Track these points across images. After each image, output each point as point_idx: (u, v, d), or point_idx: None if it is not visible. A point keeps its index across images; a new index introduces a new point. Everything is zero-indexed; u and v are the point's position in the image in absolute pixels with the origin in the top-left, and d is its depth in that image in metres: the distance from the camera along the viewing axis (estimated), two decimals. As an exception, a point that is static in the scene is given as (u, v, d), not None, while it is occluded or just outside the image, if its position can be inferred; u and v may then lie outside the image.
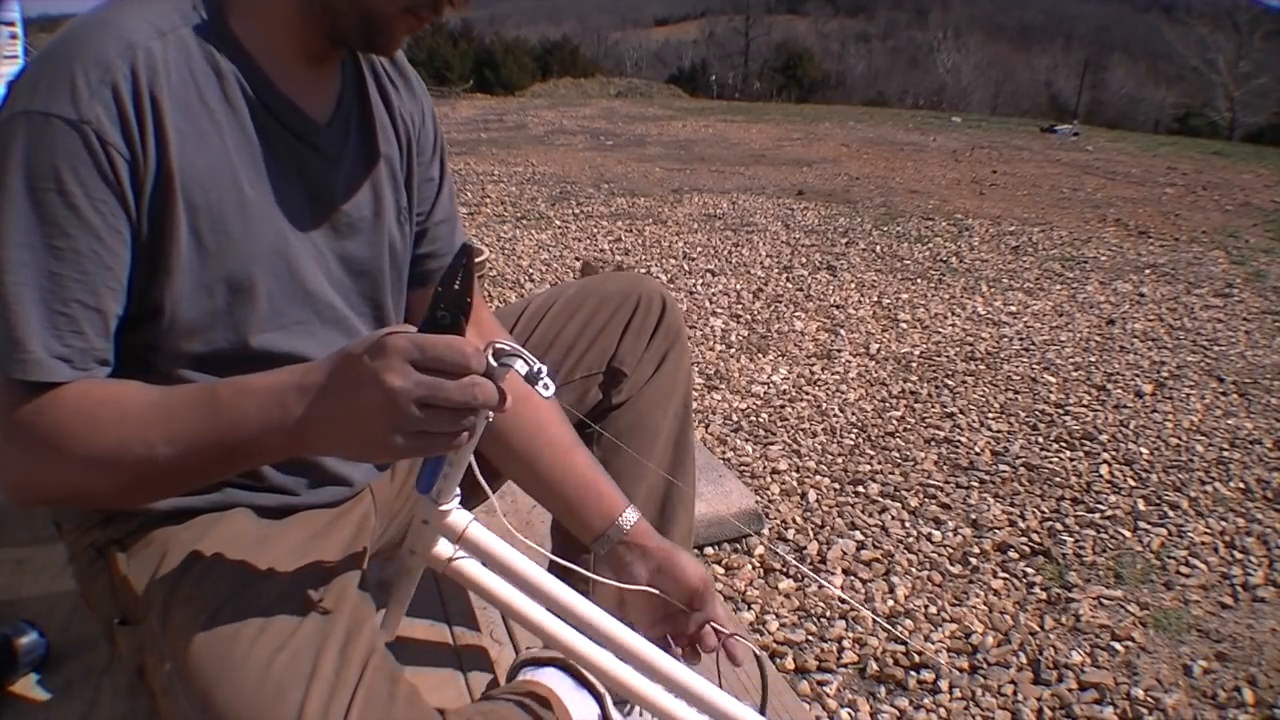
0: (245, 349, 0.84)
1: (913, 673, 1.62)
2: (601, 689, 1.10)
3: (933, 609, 1.81)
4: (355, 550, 0.92)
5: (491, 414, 0.66)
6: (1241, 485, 2.38)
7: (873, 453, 2.52)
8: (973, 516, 2.18)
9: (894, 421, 2.72)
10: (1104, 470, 2.44)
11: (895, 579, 1.91)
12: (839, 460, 2.47)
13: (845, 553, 2.00)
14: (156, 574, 0.82)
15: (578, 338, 1.13)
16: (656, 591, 0.96)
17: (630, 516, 0.99)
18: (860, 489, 2.30)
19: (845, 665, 1.65)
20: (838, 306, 3.85)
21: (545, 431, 1.02)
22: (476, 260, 0.71)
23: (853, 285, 4.16)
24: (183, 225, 0.77)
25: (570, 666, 1.05)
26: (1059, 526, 2.15)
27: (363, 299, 0.94)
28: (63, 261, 0.72)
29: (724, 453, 2.49)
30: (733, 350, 3.31)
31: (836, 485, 2.33)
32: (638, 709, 1.16)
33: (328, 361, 0.69)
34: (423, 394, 0.62)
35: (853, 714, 1.53)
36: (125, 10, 0.77)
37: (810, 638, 1.72)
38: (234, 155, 0.80)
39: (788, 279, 4.25)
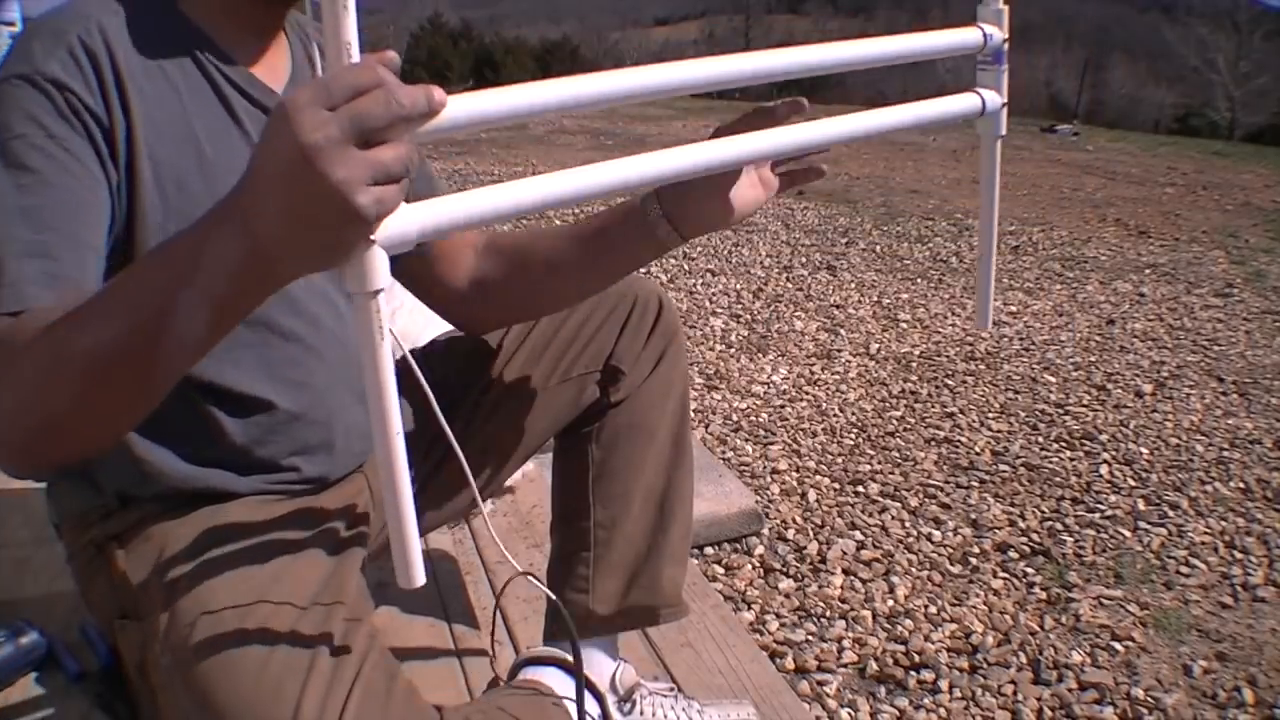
0: None
1: (913, 673, 1.62)
2: (602, 689, 1.10)
3: (933, 609, 1.81)
4: (354, 545, 0.92)
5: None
6: (1241, 485, 2.38)
7: (873, 452, 2.52)
8: (973, 516, 2.18)
9: (894, 421, 2.72)
10: (1104, 470, 2.44)
11: (895, 579, 1.91)
12: (839, 460, 2.47)
13: (845, 553, 2.00)
14: (155, 569, 0.82)
15: (575, 335, 1.13)
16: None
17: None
18: (860, 489, 2.30)
19: (845, 665, 1.65)
20: (838, 306, 3.85)
21: (530, 249, 1.03)
22: None
23: (853, 285, 4.16)
24: (147, 176, 0.79)
25: (569, 666, 1.05)
26: (1059, 526, 2.15)
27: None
28: (31, 194, 0.73)
29: (724, 452, 2.49)
30: (733, 350, 3.31)
31: (836, 485, 2.33)
32: (639, 709, 1.16)
33: (246, 171, 0.58)
34: (350, 127, 0.51)
35: (853, 714, 1.53)
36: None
37: (810, 638, 1.72)
38: (193, 118, 0.82)
39: (788, 279, 4.25)
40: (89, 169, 0.76)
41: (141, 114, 0.78)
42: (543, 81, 0.61)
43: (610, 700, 1.13)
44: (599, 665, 1.14)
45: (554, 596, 0.99)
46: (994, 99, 0.88)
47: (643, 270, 1.11)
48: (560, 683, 1.01)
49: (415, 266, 1.03)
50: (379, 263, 0.55)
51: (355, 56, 0.53)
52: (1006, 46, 0.88)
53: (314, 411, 0.93)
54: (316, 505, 0.93)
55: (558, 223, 1.06)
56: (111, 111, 0.77)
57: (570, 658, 1.05)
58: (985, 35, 0.86)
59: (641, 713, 1.16)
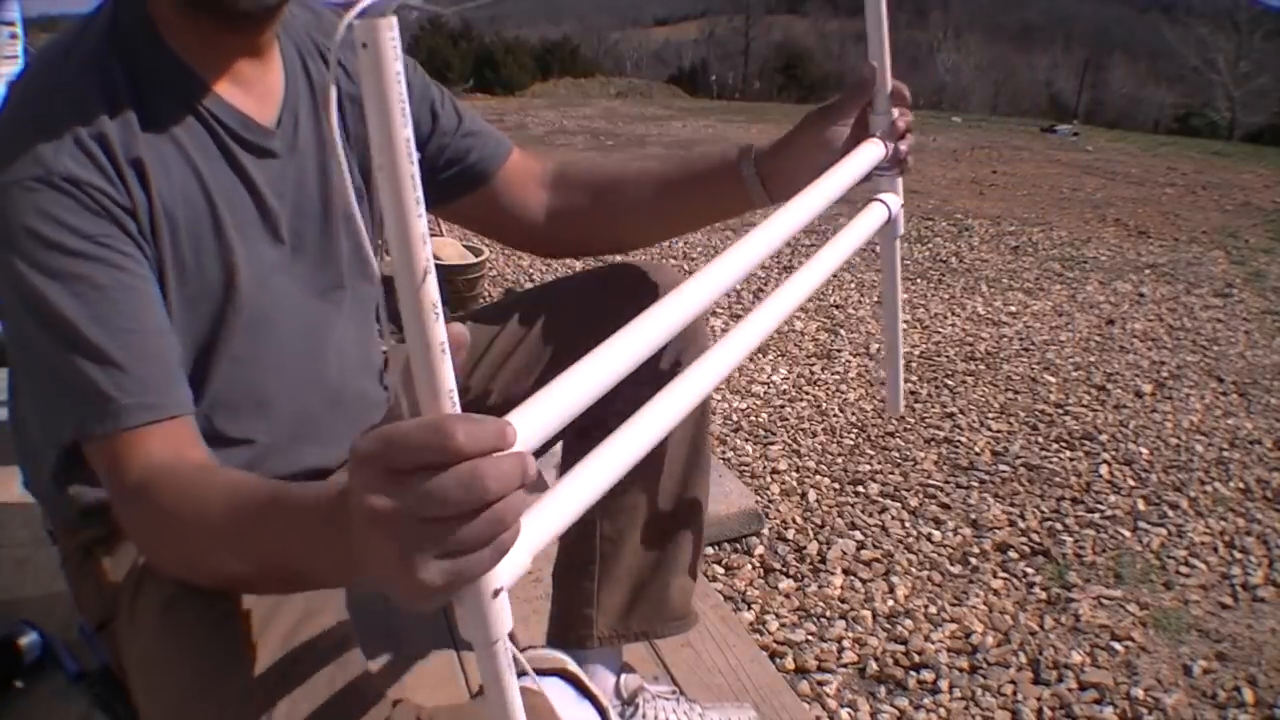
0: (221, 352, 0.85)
1: (913, 673, 1.62)
2: (605, 701, 1.09)
3: (933, 609, 1.81)
4: None
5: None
6: (1241, 485, 2.38)
7: (873, 452, 2.51)
8: (973, 516, 2.18)
9: (894, 421, 2.72)
10: (1104, 470, 2.44)
11: (895, 579, 1.91)
12: (839, 460, 2.47)
13: (845, 553, 2.00)
14: (131, 568, 0.82)
15: (574, 339, 1.08)
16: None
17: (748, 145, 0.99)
18: (860, 489, 2.30)
19: (845, 665, 1.65)
20: (838, 306, 3.85)
21: (614, 184, 1.04)
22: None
23: (853, 285, 4.16)
24: (166, 240, 0.79)
25: (572, 675, 1.04)
26: (1059, 526, 2.15)
27: (334, 288, 0.95)
28: (88, 302, 0.71)
29: (724, 453, 2.49)
30: (733, 350, 3.31)
31: (836, 485, 2.33)
32: (641, 713, 1.16)
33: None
34: (416, 506, 0.43)
35: (853, 714, 1.53)
36: (54, 61, 0.78)
37: (810, 638, 1.72)
38: (203, 174, 0.81)
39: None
40: (132, 257, 0.75)
41: (157, 183, 0.77)
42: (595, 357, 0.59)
43: (613, 713, 1.12)
44: (601, 678, 1.13)
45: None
46: (895, 203, 0.96)
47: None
48: (561, 693, 1.00)
49: (477, 209, 1.05)
50: (490, 612, 0.46)
51: (447, 403, 0.44)
52: (905, 152, 0.97)
53: (290, 430, 0.92)
54: None
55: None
56: (133, 194, 0.76)
57: (571, 666, 1.05)
58: (886, 146, 0.95)
59: (644, 716, 1.16)
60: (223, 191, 0.82)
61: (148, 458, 0.71)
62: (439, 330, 0.43)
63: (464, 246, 3.41)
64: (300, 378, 0.91)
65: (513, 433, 0.45)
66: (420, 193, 0.42)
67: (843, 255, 0.87)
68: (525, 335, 1.09)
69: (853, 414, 2.77)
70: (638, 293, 1.06)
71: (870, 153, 0.93)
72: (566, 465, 1.16)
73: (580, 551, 1.13)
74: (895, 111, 0.95)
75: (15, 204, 0.71)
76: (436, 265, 0.43)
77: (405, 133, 0.40)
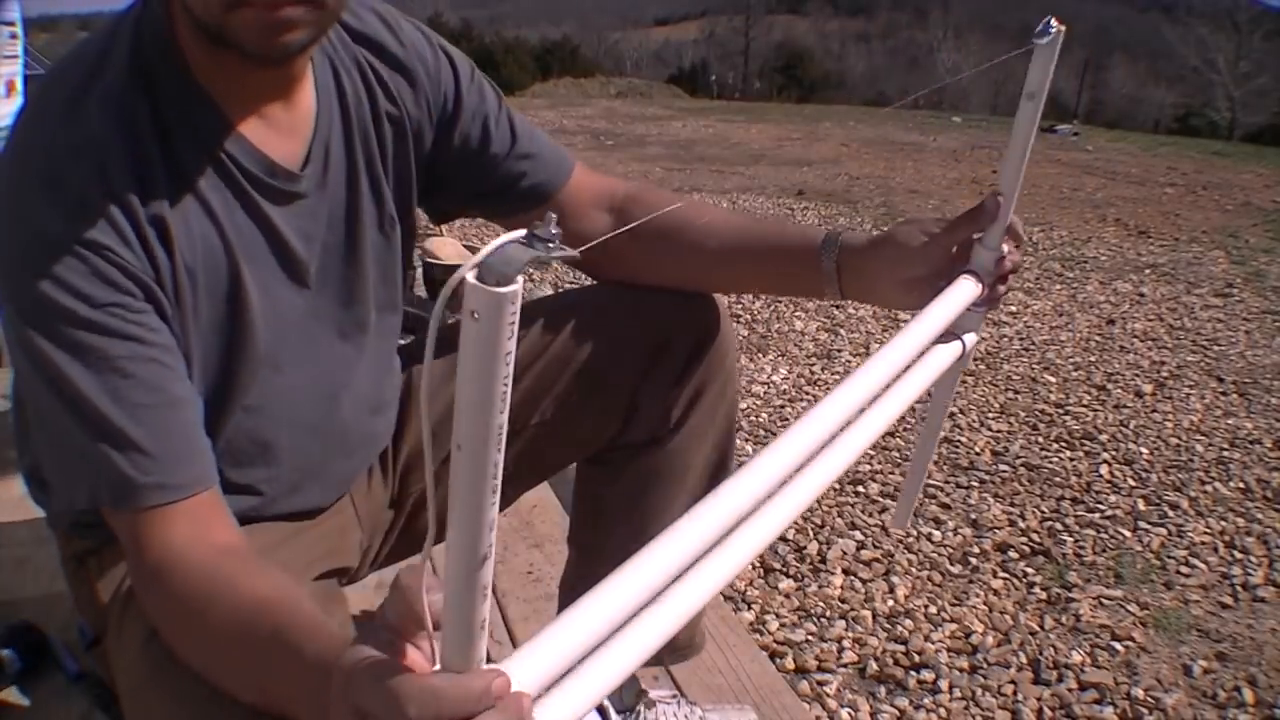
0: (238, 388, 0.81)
1: (913, 673, 1.62)
2: (605, 702, 1.09)
3: (933, 609, 1.81)
4: (326, 564, 0.90)
5: None
6: (1241, 485, 2.38)
7: (872, 452, 2.51)
8: (973, 516, 2.18)
9: (893, 421, 2.72)
10: (1104, 470, 2.44)
11: (895, 579, 1.91)
12: (839, 460, 2.46)
13: (845, 552, 2.00)
14: (118, 588, 0.80)
15: (594, 367, 1.01)
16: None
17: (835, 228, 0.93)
18: (860, 489, 2.30)
19: (845, 665, 1.65)
20: (837, 306, 3.85)
21: (686, 233, 0.96)
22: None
23: (853, 285, 4.16)
24: (187, 297, 0.75)
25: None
26: (1059, 526, 2.15)
27: (357, 328, 0.91)
28: (101, 378, 0.68)
29: (724, 453, 2.49)
30: (733, 350, 3.31)
31: (836, 485, 2.33)
32: (643, 718, 1.16)
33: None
34: None
35: (853, 714, 1.53)
36: (71, 99, 0.71)
37: (810, 638, 1.72)
38: (226, 229, 0.77)
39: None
40: (148, 326, 0.70)
41: (179, 242, 0.73)
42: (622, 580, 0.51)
43: (613, 713, 1.12)
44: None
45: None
46: (972, 341, 0.88)
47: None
48: None
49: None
50: None
51: (480, 657, 0.42)
52: (1004, 292, 0.88)
53: (292, 478, 0.89)
54: (300, 535, 0.90)
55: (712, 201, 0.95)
56: (155, 256, 0.71)
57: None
58: (984, 285, 0.85)
59: (645, 720, 1.16)
60: (243, 243, 0.78)
61: (166, 542, 0.69)
62: (483, 610, 0.41)
63: (464, 246, 3.41)
64: (310, 424, 0.88)
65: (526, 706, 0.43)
66: (499, 480, 0.37)
67: (911, 397, 0.79)
68: (547, 347, 1.02)
69: (853, 414, 2.76)
70: (673, 327, 1.01)
71: (966, 291, 0.83)
72: (581, 493, 1.11)
73: (588, 568, 1.11)
74: (1006, 247, 0.84)
75: (27, 267, 0.67)
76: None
77: (500, 419, 0.36)
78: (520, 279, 0.33)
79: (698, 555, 0.53)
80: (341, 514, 0.96)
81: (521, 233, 0.34)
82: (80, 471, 0.70)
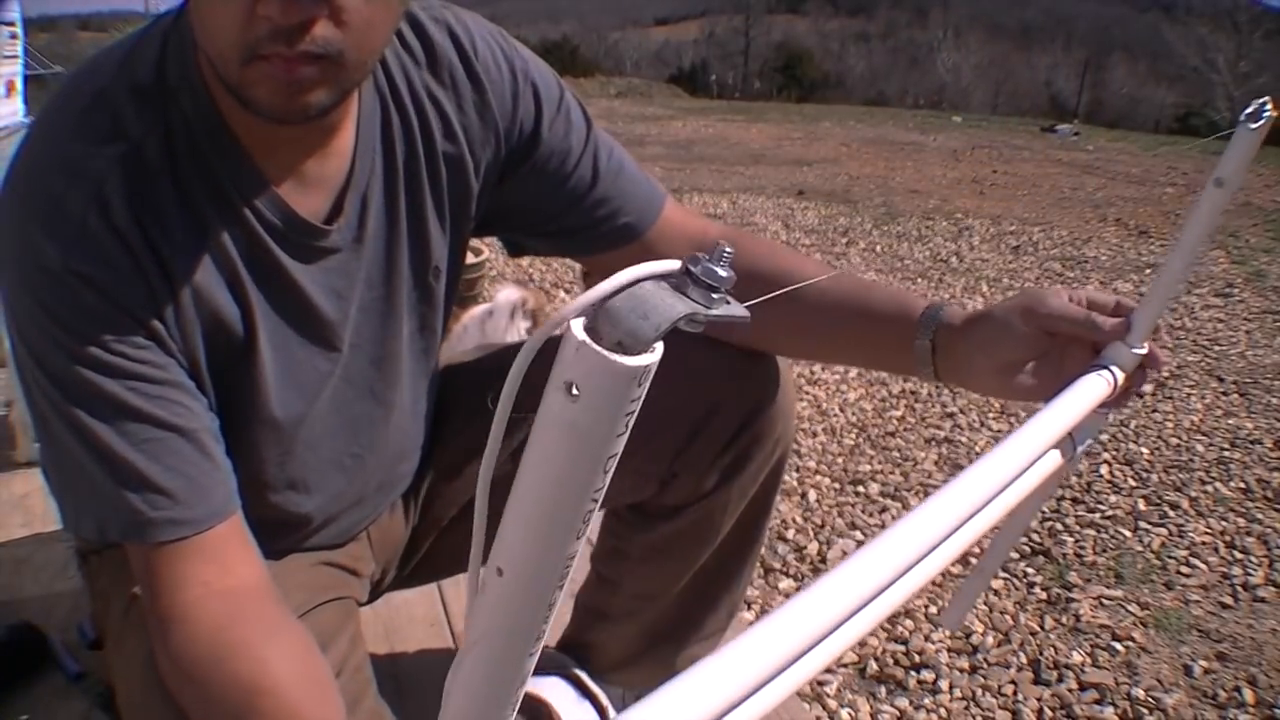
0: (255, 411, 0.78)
1: (913, 673, 1.62)
2: (605, 701, 1.08)
3: (933, 609, 1.81)
4: (333, 594, 0.88)
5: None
6: (1242, 485, 2.38)
7: (873, 453, 2.51)
8: (973, 516, 2.18)
9: (894, 421, 2.72)
10: (1104, 470, 2.44)
11: (895, 579, 1.91)
12: (839, 460, 2.47)
13: (845, 553, 2.00)
14: (118, 592, 0.78)
15: (639, 423, 0.99)
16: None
17: (937, 300, 0.82)
18: (860, 489, 2.30)
19: (845, 665, 1.65)
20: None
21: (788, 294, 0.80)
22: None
23: (853, 285, 4.16)
24: (197, 333, 0.72)
25: (573, 676, 1.04)
26: (1059, 526, 2.15)
27: (389, 387, 0.87)
28: (110, 414, 0.66)
29: (724, 453, 2.49)
30: (733, 350, 3.31)
31: (836, 485, 2.33)
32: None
33: None
34: None
35: (853, 714, 1.53)
36: (69, 130, 0.67)
37: (810, 638, 1.72)
38: (243, 281, 0.72)
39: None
40: (151, 364, 0.67)
41: (185, 287, 0.69)
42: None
43: (613, 713, 1.12)
44: (604, 692, 1.13)
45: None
46: (1086, 443, 0.72)
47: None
48: (561, 693, 1.00)
49: (609, 265, 0.84)
50: None
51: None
52: (1135, 394, 0.73)
53: (306, 530, 0.87)
54: (312, 567, 0.89)
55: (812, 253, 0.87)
56: (155, 291, 0.68)
57: (572, 667, 1.04)
58: (1114, 385, 0.69)
59: None
60: (262, 304, 0.73)
61: (179, 585, 0.67)
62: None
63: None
64: (330, 490, 0.86)
65: None
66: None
67: (1012, 505, 0.64)
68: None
69: (853, 414, 2.77)
70: (725, 396, 0.93)
71: (1095, 389, 0.67)
72: (603, 530, 1.08)
73: (603, 596, 1.08)
74: (1145, 347, 0.70)
75: (28, 298, 0.65)
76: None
77: (580, 528, 0.27)
78: (660, 346, 0.20)
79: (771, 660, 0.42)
80: (357, 544, 0.94)
81: (672, 265, 0.21)
82: (91, 503, 0.68)
